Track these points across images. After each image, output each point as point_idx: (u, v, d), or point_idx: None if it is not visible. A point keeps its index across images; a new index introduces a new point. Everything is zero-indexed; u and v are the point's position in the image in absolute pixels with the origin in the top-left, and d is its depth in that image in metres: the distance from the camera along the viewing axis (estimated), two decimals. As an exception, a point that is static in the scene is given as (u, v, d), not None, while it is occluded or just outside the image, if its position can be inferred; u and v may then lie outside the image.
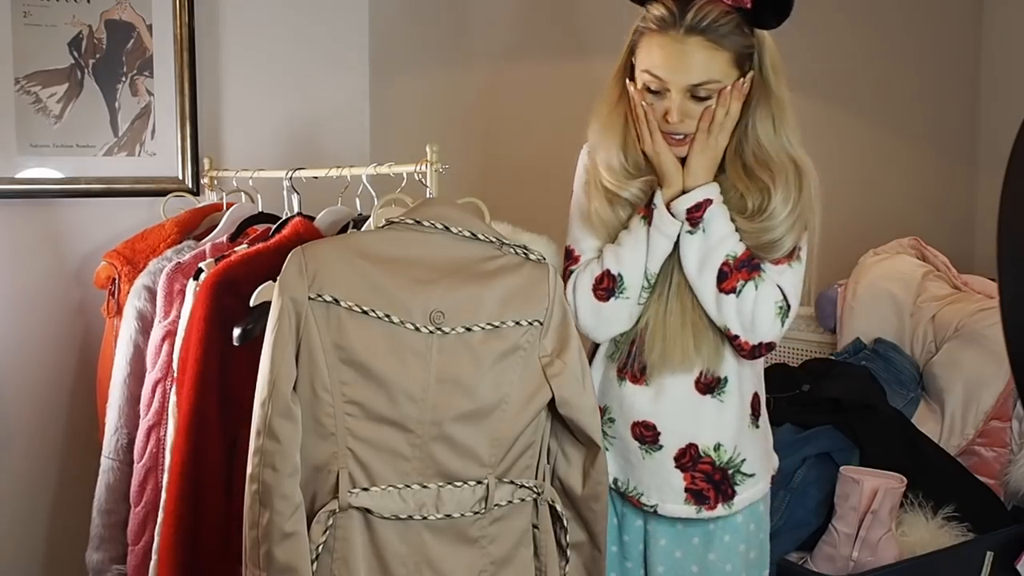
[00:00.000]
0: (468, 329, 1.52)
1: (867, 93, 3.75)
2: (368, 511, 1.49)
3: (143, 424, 2.06)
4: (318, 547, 1.46)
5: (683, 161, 1.64)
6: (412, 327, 1.49)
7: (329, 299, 1.46)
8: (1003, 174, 2.03)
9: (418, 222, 1.53)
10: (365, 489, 1.49)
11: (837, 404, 2.30)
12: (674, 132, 1.62)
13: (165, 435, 2.01)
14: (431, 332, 1.50)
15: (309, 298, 1.46)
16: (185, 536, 1.81)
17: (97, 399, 2.33)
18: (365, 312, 1.47)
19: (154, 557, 1.94)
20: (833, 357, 2.67)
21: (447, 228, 1.54)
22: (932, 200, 3.87)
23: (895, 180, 3.81)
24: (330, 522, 1.47)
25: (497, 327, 1.53)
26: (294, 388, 1.47)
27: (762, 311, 1.60)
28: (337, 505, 1.47)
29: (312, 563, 1.46)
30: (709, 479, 1.68)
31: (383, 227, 1.56)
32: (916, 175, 3.87)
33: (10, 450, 2.51)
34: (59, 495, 2.57)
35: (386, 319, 1.48)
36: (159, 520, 1.94)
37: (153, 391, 2.04)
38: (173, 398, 1.93)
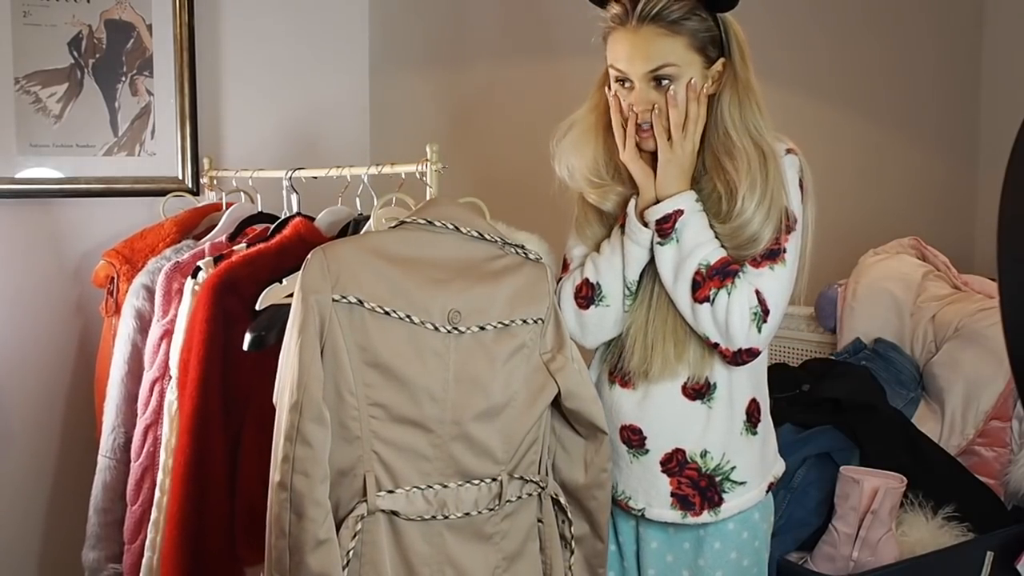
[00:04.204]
0: (482, 328, 1.53)
1: (868, 93, 3.75)
2: (394, 513, 1.49)
3: (140, 423, 2.06)
4: (348, 553, 1.45)
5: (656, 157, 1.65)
6: (431, 327, 1.49)
7: (353, 300, 1.45)
8: (1003, 174, 2.03)
9: (430, 222, 1.54)
10: (390, 491, 1.49)
11: (837, 404, 2.29)
12: (643, 123, 1.63)
13: (162, 434, 2.01)
14: (449, 332, 1.50)
15: (333, 299, 1.45)
16: (189, 537, 1.81)
17: (95, 398, 2.33)
18: (387, 313, 1.46)
19: (147, 554, 1.94)
20: (833, 357, 2.66)
21: (457, 228, 1.55)
22: (932, 200, 3.87)
23: (895, 180, 3.81)
24: (358, 527, 1.46)
25: (507, 326, 1.55)
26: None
27: (735, 319, 1.58)
28: (366, 509, 1.46)
29: (343, 569, 1.45)
30: (695, 485, 1.68)
31: (395, 227, 1.56)
32: (916, 175, 3.87)
33: (8, 448, 2.51)
34: (56, 493, 2.57)
35: (407, 319, 1.48)
36: (155, 519, 1.94)
37: (151, 390, 2.04)
38: (170, 396, 1.93)
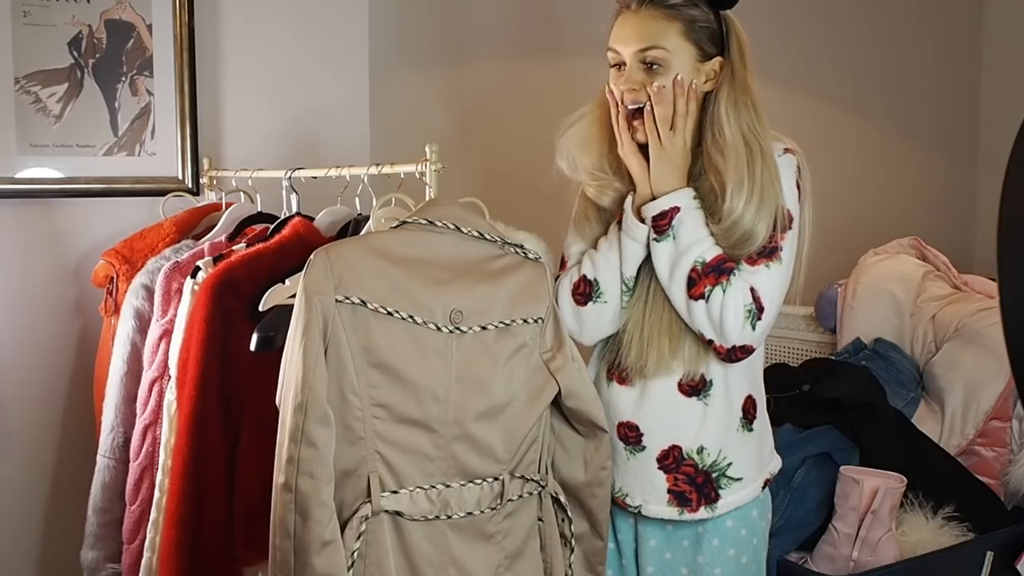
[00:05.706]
0: (483, 328, 1.53)
1: (868, 93, 3.75)
2: (398, 514, 1.49)
3: (139, 423, 2.06)
4: (353, 554, 1.45)
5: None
6: (434, 327, 1.49)
7: (356, 301, 1.45)
8: (1003, 174, 2.03)
9: (430, 222, 1.54)
10: (394, 492, 1.49)
11: (837, 404, 2.29)
12: (632, 104, 1.63)
13: (161, 434, 2.01)
14: (451, 332, 1.51)
15: (336, 300, 1.45)
16: (188, 537, 1.81)
17: (94, 398, 2.33)
18: (390, 313, 1.47)
19: (146, 554, 1.94)
20: (833, 357, 2.66)
21: (458, 228, 1.55)
22: (932, 200, 3.87)
23: (895, 180, 3.81)
24: (363, 528, 1.46)
25: (508, 325, 1.56)
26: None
27: (729, 316, 1.58)
28: (370, 510, 1.47)
29: (347, 570, 1.45)
30: (691, 481, 1.68)
31: (396, 227, 1.56)
32: (916, 175, 3.87)
33: (7, 449, 2.51)
34: (55, 493, 2.57)
35: (410, 320, 1.48)
36: (154, 519, 1.94)
37: (150, 390, 2.04)
38: (169, 396, 1.93)
